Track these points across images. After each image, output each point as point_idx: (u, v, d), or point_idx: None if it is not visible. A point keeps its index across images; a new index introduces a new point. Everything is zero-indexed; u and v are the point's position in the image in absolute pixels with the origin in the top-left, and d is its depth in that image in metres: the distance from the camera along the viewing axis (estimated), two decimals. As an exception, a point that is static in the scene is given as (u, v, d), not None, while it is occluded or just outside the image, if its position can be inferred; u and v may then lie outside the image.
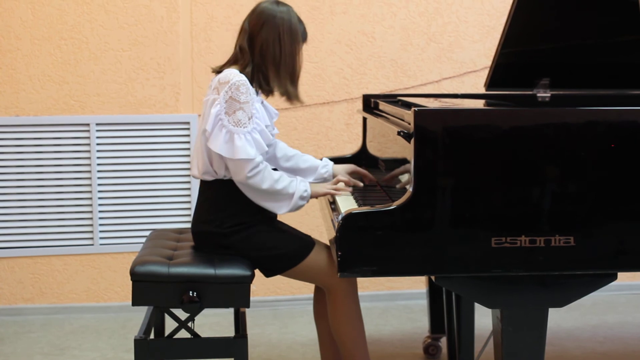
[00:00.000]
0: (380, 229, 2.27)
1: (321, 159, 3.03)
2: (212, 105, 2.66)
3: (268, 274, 2.76)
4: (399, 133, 2.39)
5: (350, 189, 2.86)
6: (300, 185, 2.71)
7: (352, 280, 2.76)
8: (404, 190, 2.38)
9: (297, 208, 2.72)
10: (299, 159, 3.00)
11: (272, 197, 2.68)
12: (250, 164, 2.61)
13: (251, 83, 2.69)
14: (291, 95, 2.77)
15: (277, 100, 2.84)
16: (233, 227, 2.69)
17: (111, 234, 4.22)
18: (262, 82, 2.73)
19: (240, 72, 2.70)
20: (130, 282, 2.60)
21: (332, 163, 3.03)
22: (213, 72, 2.79)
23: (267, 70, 2.72)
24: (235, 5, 4.15)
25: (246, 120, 2.62)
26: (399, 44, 4.31)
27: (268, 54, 2.71)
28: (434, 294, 3.45)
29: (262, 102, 2.80)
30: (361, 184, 2.92)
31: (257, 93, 2.73)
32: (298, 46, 2.75)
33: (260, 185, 2.64)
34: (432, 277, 2.38)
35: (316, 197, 2.82)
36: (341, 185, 2.87)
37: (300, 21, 2.78)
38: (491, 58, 3.27)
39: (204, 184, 2.78)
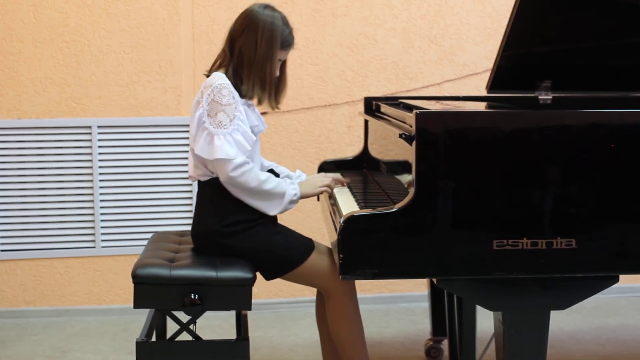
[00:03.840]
0: (382, 231, 2.27)
1: (295, 171, 3.09)
2: (196, 109, 2.70)
3: (268, 276, 2.76)
4: (400, 135, 2.39)
5: (340, 186, 2.96)
6: (290, 189, 2.74)
7: (351, 283, 2.76)
8: (405, 192, 2.38)
9: (287, 209, 2.76)
10: (274, 170, 3.02)
11: (261, 197, 2.70)
12: (231, 164, 2.62)
13: (235, 86, 2.71)
14: (260, 100, 2.79)
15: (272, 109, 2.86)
16: (233, 225, 2.70)
17: (113, 237, 4.23)
18: (238, 84, 2.74)
19: (225, 73, 2.73)
20: (132, 285, 2.60)
21: (305, 175, 3.07)
22: (205, 75, 2.81)
23: (242, 73, 2.74)
24: (236, 8, 4.12)
25: (227, 121, 2.64)
26: (400, 46, 4.31)
27: (244, 57, 2.73)
28: (435, 296, 3.45)
29: (251, 105, 2.81)
30: (346, 182, 3.00)
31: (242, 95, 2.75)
32: (274, 52, 2.73)
33: (247, 185, 2.65)
34: (434, 280, 2.38)
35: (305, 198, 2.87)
36: (331, 179, 2.91)
37: (286, 26, 2.77)
38: (493, 60, 3.26)
39: (201, 185, 2.79)
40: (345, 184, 3.02)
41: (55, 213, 4.18)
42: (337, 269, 2.32)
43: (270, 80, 2.76)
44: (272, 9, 2.78)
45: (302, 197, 2.81)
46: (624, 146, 2.31)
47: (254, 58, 2.71)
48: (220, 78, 2.69)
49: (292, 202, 2.75)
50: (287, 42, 2.78)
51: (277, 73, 2.80)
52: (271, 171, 2.93)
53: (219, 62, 2.81)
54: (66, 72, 4.13)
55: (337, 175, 3.07)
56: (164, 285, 2.58)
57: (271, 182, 2.70)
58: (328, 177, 2.94)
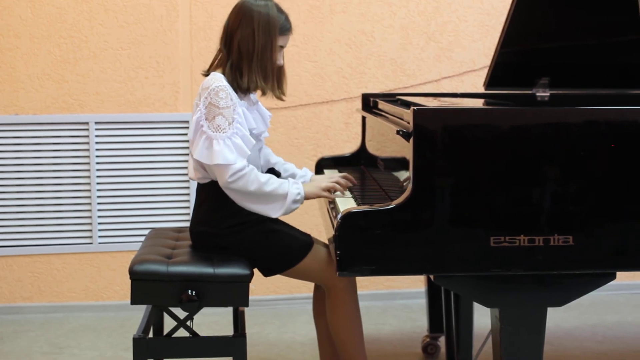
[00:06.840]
0: (379, 228, 2.27)
1: (301, 169, 3.03)
2: (195, 112, 2.66)
3: (267, 273, 2.76)
4: (398, 132, 2.39)
5: (346, 191, 2.82)
6: (293, 188, 2.66)
7: (352, 279, 2.76)
8: (402, 189, 2.38)
9: (291, 211, 2.68)
10: (280, 167, 2.99)
11: (262, 200, 2.63)
12: (230, 169, 2.57)
13: (231, 83, 2.68)
14: (264, 91, 2.74)
15: (277, 99, 2.84)
16: (231, 227, 2.69)
17: (110, 233, 4.22)
18: (239, 80, 2.69)
19: (223, 73, 2.70)
20: (129, 281, 2.60)
21: (311, 173, 3.02)
22: (203, 75, 2.78)
23: (242, 67, 2.69)
24: (235, 4, 4.14)
25: (226, 125, 2.59)
26: (398, 43, 4.31)
27: (243, 50, 2.68)
28: (432, 293, 3.45)
29: (256, 104, 2.80)
30: (352, 184, 2.85)
31: (240, 97, 2.70)
32: (273, 40, 2.69)
33: (246, 188, 2.59)
34: (431, 277, 2.38)
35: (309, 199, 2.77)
36: (339, 182, 2.79)
37: (280, 12, 2.72)
38: (490, 57, 3.26)
39: (200, 186, 2.77)
40: (351, 184, 2.84)
41: (52, 209, 4.17)
42: (335, 266, 2.31)
43: (272, 69, 2.71)
44: None
45: (307, 197, 2.71)
46: (621, 143, 2.31)
47: (253, 49, 2.67)
48: (217, 80, 2.64)
49: (296, 201, 2.66)
50: (285, 28, 2.73)
51: (282, 61, 2.75)
52: (271, 171, 2.90)
53: (216, 61, 2.77)
54: (63, 68, 4.12)
55: (346, 175, 2.86)
56: (161, 281, 2.58)
57: (272, 184, 2.63)
58: (334, 178, 2.80)
